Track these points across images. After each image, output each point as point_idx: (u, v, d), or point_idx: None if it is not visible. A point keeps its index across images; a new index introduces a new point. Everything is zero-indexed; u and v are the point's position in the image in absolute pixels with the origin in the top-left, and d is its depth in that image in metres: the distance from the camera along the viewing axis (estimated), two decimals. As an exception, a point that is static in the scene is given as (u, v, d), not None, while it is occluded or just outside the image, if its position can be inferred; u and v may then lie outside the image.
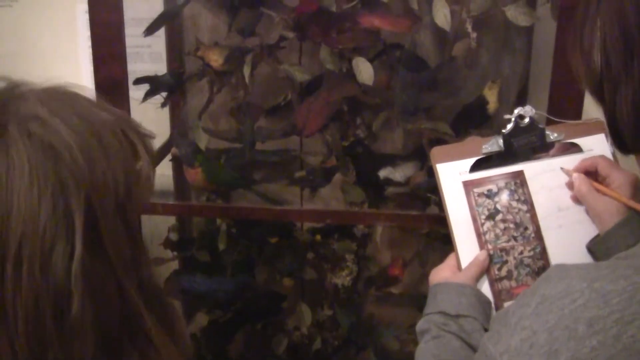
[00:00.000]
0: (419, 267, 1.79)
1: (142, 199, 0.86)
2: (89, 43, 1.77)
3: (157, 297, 0.88)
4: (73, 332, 0.76)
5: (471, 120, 1.57)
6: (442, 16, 1.44)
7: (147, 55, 1.82)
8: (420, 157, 1.63)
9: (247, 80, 1.52)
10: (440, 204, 1.52)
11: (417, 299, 1.80)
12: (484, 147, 1.21)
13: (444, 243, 1.65)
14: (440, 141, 1.56)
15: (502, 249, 1.16)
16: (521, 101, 1.64)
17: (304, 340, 1.85)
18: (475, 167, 1.21)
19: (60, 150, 0.75)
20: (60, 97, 0.84)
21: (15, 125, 0.75)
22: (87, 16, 1.78)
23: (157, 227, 1.78)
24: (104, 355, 0.79)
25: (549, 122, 1.23)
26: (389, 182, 1.63)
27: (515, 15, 1.43)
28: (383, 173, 1.62)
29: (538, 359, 0.74)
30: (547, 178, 1.19)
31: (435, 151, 1.24)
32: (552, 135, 1.20)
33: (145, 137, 0.88)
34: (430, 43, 1.65)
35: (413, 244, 1.79)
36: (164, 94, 1.61)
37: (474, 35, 1.46)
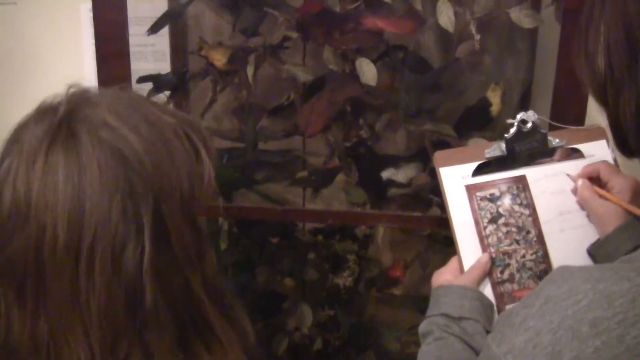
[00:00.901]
0: (420, 268, 1.79)
1: (206, 198, 0.90)
2: (92, 41, 1.78)
3: (220, 293, 0.92)
4: (147, 324, 0.82)
5: (474, 123, 1.58)
6: (445, 18, 1.43)
7: (150, 55, 1.81)
8: (423, 158, 1.62)
9: (250, 80, 1.52)
10: (442, 205, 1.53)
11: (418, 301, 1.79)
12: (486, 151, 1.21)
13: (445, 245, 1.66)
14: (443, 143, 1.56)
15: (505, 252, 1.17)
16: (524, 104, 1.65)
17: (305, 341, 1.85)
18: (477, 171, 1.22)
19: (128, 156, 0.80)
20: (127, 102, 0.88)
21: (85, 132, 0.80)
22: (91, 15, 1.78)
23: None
24: (177, 348, 0.85)
25: (552, 128, 1.23)
26: (391, 183, 1.63)
27: (520, 17, 1.43)
28: (385, 174, 1.62)
29: (542, 359, 0.74)
30: (548, 183, 1.20)
31: (438, 155, 1.25)
32: (554, 140, 1.21)
33: (207, 139, 0.91)
34: (434, 45, 1.65)
35: (414, 246, 1.79)
36: (167, 92, 1.61)
37: (477, 37, 1.46)
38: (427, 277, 1.78)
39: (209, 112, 1.66)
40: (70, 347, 0.83)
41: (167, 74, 1.61)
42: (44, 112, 0.85)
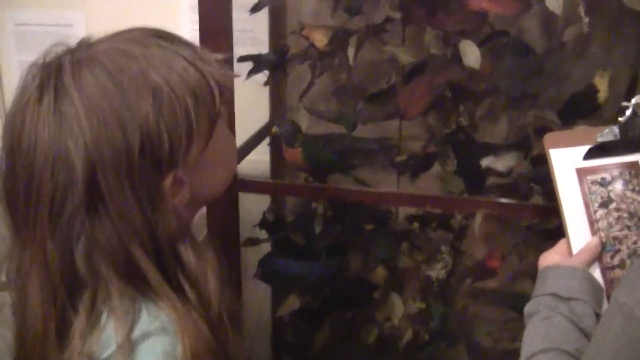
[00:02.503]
0: (516, 262, 1.74)
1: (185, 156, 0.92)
2: (192, 26, 1.81)
3: (177, 261, 0.93)
4: (84, 286, 0.90)
5: (579, 110, 1.53)
6: (554, -1, 1.40)
7: (249, 40, 1.83)
8: (524, 147, 1.59)
9: (350, 61, 1.51)
10: (545, 193, 1.49)
11: (512, 297, 1.76)
12: (598, 135, 1.18)
13: (544, 238, 1.61)
14: (546, 129, 1.52)
15: (615, 238, 1.13)
16: (631, 91, 1.59)
17: (395, 332, 1.82)
18: (588, 155, 1.18)
19: (70, 121, 0.85)
20: (115, 53, 0.90)
21: (52, 93, 0.87)
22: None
23: (248, 209, 1.78)
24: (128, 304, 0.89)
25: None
26: (490, 172, 1.60)
27: (631, -2, 1.39)
28: (485, 162, 1.59)
29: None
30: None
31: (549, 137, 1.22)
32: None
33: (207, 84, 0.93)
34: (538, 29, 1.61)
35: (511, 238, 1.75)
36: (266, 73, 1.62)
37: (586, 19, 1.41)
38: (523, 272, 1.76)
39: (307, 95, 1.66)
40: (28, 288, 0.91)
41: (267, 54, 1.62)
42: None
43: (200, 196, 1.01)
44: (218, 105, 0.95)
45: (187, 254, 0.94)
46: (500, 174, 1.60)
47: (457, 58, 1.48)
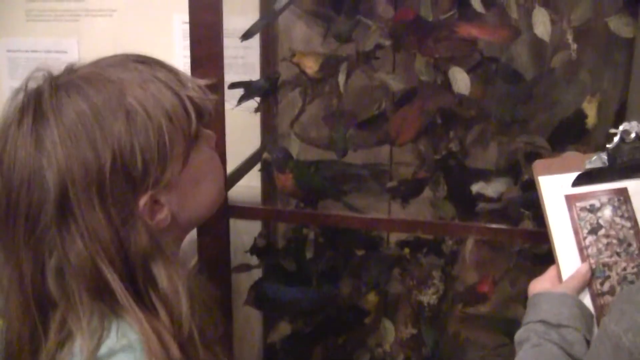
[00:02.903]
0: (507, 287, 1.74)
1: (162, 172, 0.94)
2: (184, 52, 1.82)
3: (149, 279, 0.95)
4: (51, 294, 0.91)
5: (569, 135, 1.55)
6: (542, 27, 1.41)
7: (240, 67, 1.84)
8: (514, 172, 1.59)
9: (341, 88, 1.52)
10: (535, 218, 1.49)
11: (504, 322, 1.75)
12: (587, 162, 1.19)
13: (534, 264, 1.62)
14: (536, 155, 1.53)
15: (605, 264, 1.14)
16: (620, 117, 1.60)
17: (386, 358, 1.82)
18: (576, 182, 1.19)
19: (45, 142, 0.89)
20: (93, 76, 0.93)
21: (31, 115, 0.91)
22: (183, 26, 1.82)
23: (239, 235, 1.78)
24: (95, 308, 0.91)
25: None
26: (481, 197, 1.60)
27: (618, 26, 1.40)
28: (475, 188, 1.59)
29: None
30: None
31: (538, 164, 1.24)
32: None
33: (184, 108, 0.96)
34: (527, 55, 1.63)
35: (502, 264, 1.75)
36: (257, 100, 1.62)
37: (574, 46, 1.43)
38: (514, 297, 1.76)
39: (298, 121, 1.66)
40: (9, 304, 0.94)
41: (258, 81, 1.62)
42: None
43: (185, 219, 1.02)
44: (194, 127, 0.97)
45: (160, 273, 0.95)
46: (490, 200, 1.60)
47: (447, 84, 1.49)
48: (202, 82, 1.02)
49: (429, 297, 1.75)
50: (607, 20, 1.41)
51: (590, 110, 1.51)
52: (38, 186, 0.88)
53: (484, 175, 1.62)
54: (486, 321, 1.80)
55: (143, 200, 0.92)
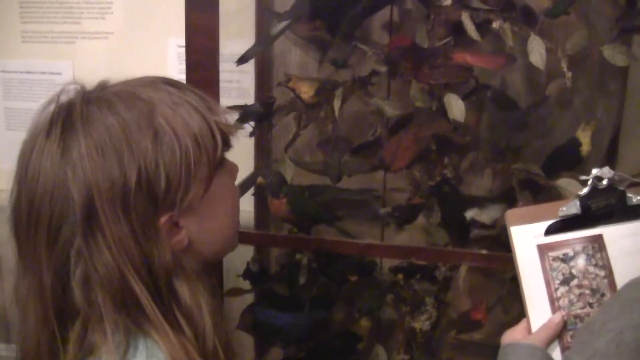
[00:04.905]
0: (501, 314, 1.73)
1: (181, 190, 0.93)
2: (180, 76, 1.82)
3: (172, 295, 0.95)
4: (74, 305, 0.91)
5: (563, 162, 1.55)
6: (537, 54, 1.42)
7: (235, 91, 1.84)
8: (508, 199, 1.59)
9: (336, 113, 1.52)
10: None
11: (498, 349, 1.74)
12: (560, 209, 1.16)
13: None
14: (530, 182, 1.53)
15: (577, 316, 1.10)
16: (614, 145, 1.61)
17: (379, 384, 1.81)
18: (552, 230, 1.16)
19: (73, 154, 0.89)
20: (124, 95, 0.94)
21: (59, 129, 0.92)
22: (179, 50, 1.83)
23: (232, 259, 1.77)
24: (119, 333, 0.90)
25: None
26: (474, 224, 1.60)
27: (613, 54, 1.41)
28: (469, 214, 1.59)
29: (627, 356, 0.72)
30: (628, 243, 1.13)
31: (510, 214, 1.22)
32: (634, 198, 1.14)
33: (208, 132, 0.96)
34: (522, 83, 1.63)
35: (496, 291, 1.75)
36: (252, 124, 1.62)
37: (569, 74, 1.43)
38: (508, 324, 1.75)
39: (292, 146, 1.66)
40: (26, 313, 0.94)
41: (252, 105, 1.62)
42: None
43: (201, 247, 1.02)
44: (220, 153, 0.98)
45: (183, 289, 0.95)
46: (484, 226, 1.60)
47: (442, 111, 1.49)
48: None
49: (422, 324, 1.74)
50: (602, 48, 1.42)
51: (585, 137, 1.52)
52: (61, 197, 0.89)
53: (478, 201, 1.62)
54: (479, 348, 1.80)
55: (164, 220, 0.93)
